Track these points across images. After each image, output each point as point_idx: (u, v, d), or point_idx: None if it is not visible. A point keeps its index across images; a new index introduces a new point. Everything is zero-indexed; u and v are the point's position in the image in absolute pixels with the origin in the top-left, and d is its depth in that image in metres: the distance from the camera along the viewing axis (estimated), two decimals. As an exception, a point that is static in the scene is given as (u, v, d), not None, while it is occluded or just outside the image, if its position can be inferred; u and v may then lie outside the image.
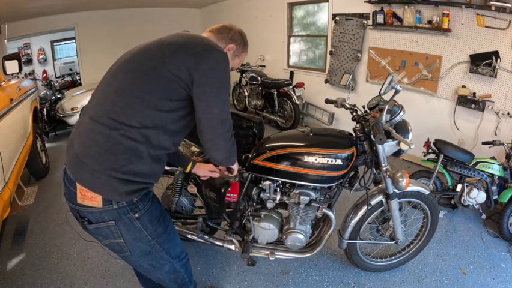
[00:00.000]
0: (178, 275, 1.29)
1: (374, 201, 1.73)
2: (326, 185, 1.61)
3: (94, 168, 0.96)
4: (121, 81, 1.02)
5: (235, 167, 1.43)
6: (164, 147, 1.06)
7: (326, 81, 4.60)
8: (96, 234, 1.07)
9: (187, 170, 1.60)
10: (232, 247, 1.84)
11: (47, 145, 3.81)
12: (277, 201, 1.70)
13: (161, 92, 1.00)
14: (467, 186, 2.52)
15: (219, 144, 1.11)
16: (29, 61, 7.05)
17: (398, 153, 1.65)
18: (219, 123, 1.07)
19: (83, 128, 1.01)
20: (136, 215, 1.05)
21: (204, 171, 1.62)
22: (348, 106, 1.78)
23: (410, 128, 1.66)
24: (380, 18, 3.64)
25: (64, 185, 1.07)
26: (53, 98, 5.56)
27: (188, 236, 1.91)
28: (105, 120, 0.97)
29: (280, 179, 1.63)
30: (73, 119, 4.77)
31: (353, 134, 1.68)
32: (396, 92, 1.49)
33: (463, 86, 3.12)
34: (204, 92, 1.02)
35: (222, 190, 1.67)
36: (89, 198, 0.99)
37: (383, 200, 1.73)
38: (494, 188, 2.48)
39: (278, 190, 1.68)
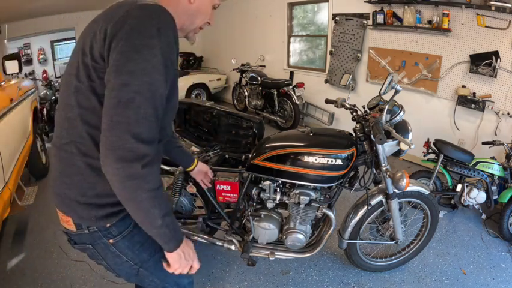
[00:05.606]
0: None
1: (374, 201, 1.73)
2: (326, 185, 1.61)
3: (56, 192, 0.89)
4: None
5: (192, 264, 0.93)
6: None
7: (326, 81, 4.60)
8: (86, 253, 0.98)
9: (190, 169, 1.54)
10: (232, 247, 1.84)
11: (47, 145, 3.80)
12: (277, 201, 1.70)
13: None
14: (467, 186, 2.52)
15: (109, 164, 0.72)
16: (29, 61, 7.03)
17: (398, 153, 1.65)
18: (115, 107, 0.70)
19: None
20: (111, 241, 0.91)
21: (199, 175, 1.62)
22: (348, 106, 1.78)
23: (410, 128, 1.66)
24: (380, 18, 3.64)
25: None
26: (53, 98, 5.54)
27: (188, 236, 1.91)
28: (57, 141, 0.87)
29: (280, 179, 1.63)
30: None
31: (353, 134, 1.68)
32: (396, 92, 1.49)
33: (463, 86, 3.12)
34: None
35: None
36: (66, 222, 0.90)
37: (383, 200, 1.73)
38: (494, 188, 2.48)
39: (278, 190, 1.68)
